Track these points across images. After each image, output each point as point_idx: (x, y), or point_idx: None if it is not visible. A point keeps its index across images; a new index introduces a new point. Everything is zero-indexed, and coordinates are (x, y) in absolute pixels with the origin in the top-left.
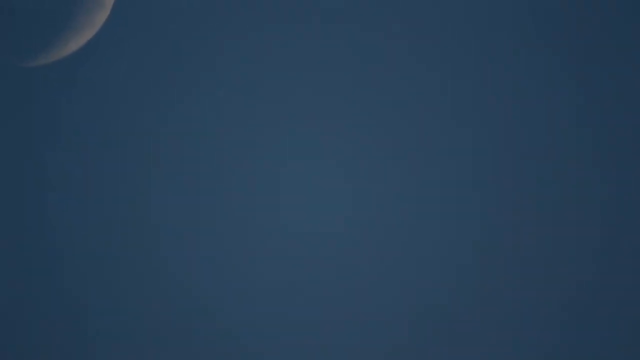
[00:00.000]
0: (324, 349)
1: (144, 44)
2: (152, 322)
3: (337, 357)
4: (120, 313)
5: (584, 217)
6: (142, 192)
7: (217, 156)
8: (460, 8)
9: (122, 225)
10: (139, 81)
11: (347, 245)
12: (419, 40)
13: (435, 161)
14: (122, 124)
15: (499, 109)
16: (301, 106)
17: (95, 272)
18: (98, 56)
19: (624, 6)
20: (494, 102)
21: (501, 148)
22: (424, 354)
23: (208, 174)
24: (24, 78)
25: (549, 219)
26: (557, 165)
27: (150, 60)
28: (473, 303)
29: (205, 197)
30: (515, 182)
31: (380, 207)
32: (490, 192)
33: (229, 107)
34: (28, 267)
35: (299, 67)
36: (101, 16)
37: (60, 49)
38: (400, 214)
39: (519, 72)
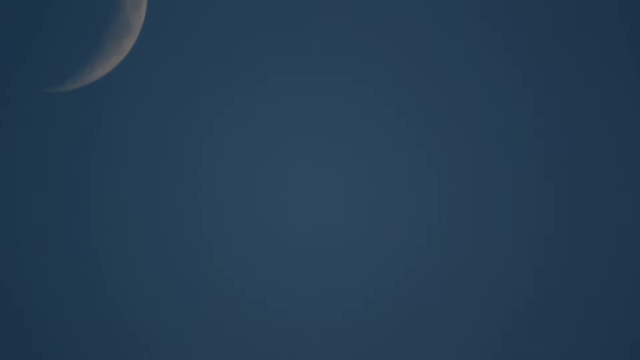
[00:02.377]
0: (324, 349)
1: (171, 69)
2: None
3: (338, 357)
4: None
5: (584, 217)
6: (168, 210)
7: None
8: (461, 8)
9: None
10: (166, 106)
11: (347, 245)
12: (419, 40)
13: (435, 161)
14: (150, 148)
15: (499, 109)
16: (301, 106)
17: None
18: (126, 82)
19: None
20: (494, 102)
21: (500, 148)
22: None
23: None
24: (52, 103)
25: (549, 218)
26: (557, 165)
27: (178, 85)
28: (472, 302)
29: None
30: (514, 181)
31: (380, 207)
32: (490, 192)
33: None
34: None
35: (299, 69)
36: (129, 42)
37: (88, 75)
38: (400, 214)
39: (519, 72)
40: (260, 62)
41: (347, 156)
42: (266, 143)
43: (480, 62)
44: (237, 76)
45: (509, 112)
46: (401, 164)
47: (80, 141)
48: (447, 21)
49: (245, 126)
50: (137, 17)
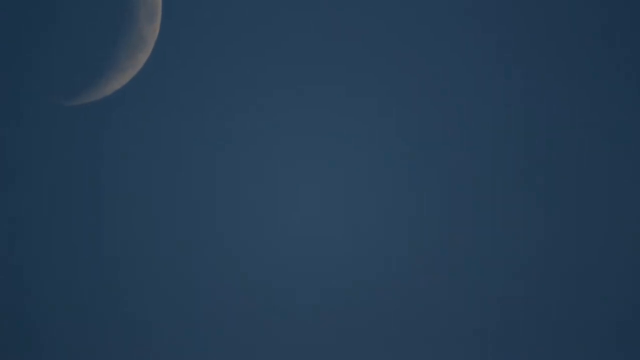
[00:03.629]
0: (324, 349)
1: (185, 83)
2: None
3: (338, 357)
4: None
5: (585, 217)
6: (182, 219)
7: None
8: (459, 9)
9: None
10: (180, 118)
11: (347, 245)
12: (418, 41)
13: (435, 161)
14: (165, 159)
15: (498, 110)
16: (301, 107)
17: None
18: (140, 95)
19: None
20: (493, 103)
21: (501, 148)
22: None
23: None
24: (67, 116)
25: (550, 219)
26: (557, 165)
27: (192, 98)
28: (473, 303)
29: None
30: (516, 182)
31: (380, 207)
32: (491, 192)
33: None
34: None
35: (299, 69)
36: (143, 56)
37: (103, 88)
38: (400, 214)
39: (518, 72)
40: (272, 73)
41: (346, 156)
42: (277, 151)
43: (478, 62)
44: (250, 87)
45: (508, 112)
46: (403, 165)
47: (95, 154)
48: (444, 22)
49: (258, 136)
50: (152, 31)
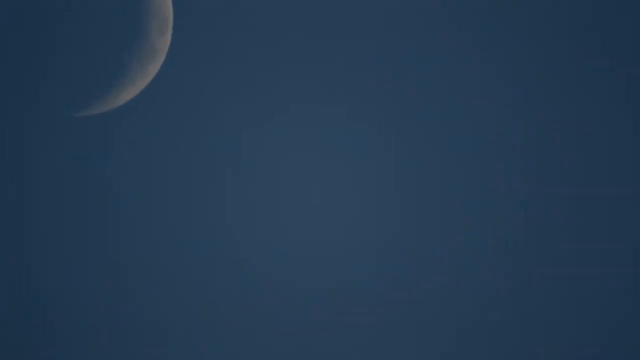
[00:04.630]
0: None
1: (196, 94)
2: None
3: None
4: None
5: (585, 217)
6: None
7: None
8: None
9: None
10: (191, 130)
11: (347, 245)
12: (418, 41)
13: (436, 161)
14: (175, 170)
15: (498, 109)
16: (302, 107)
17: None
18: (151, 106)
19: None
20: (493, 102)
21: (503, 149)
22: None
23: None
24: (78, 127)
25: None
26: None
27: (203, 109)
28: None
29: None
30: (519, 182)
31: (381, 208)
32: (491, 192)
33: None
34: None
35: (278, 48)
36: (154, 67)
37: (114, 99)
38: (401, 215)
39: (518, 72)
40: (284, 84)
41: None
42: (287, 158)
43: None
44: (261, 97)
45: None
46: (404, 165)
47: (106, 164)
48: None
49: (269, 145)
50: (163, 42)
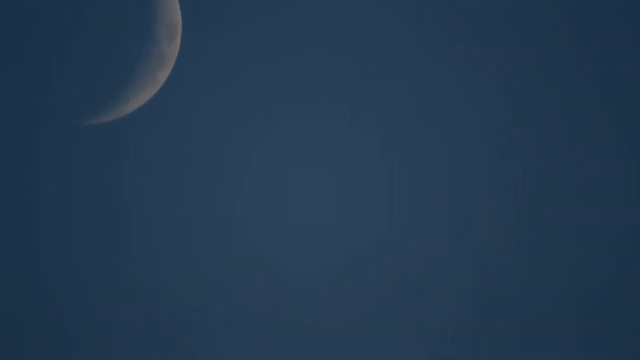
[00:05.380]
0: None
1: (206, 101)
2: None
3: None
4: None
5: (586, 218)
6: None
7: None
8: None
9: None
10: (201, 137)
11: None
12: (418, 40)
13: (436, 162)
14: (185, 178)
15: (499, 109)
16: (290, 94)
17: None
18: (160, 114)
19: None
20: (493, 102)
21: (501, 148)
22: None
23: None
24: (86, 135)
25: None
26: (558, 165)
27: (212, 117)
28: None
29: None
30: (516, 181)
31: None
32: (492, 192)
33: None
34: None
35: (288, 56)
36: (163, 74)
37: (123, 107)
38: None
39: (518, 72)
40: (294, 93)
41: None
42: (298, 168)
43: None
44: (274, 105)
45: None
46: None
47: (115, 172)
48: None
49: (278, 153)
50: (172, 49)
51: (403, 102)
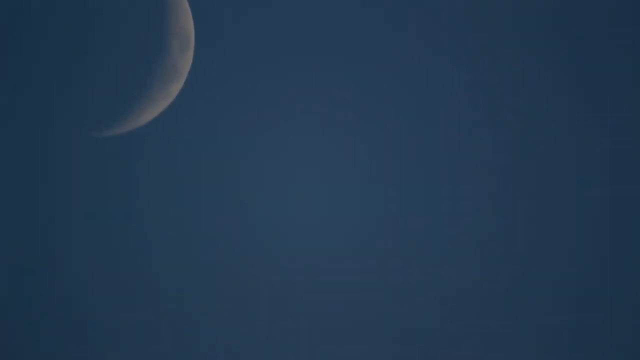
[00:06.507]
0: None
1: (218, 113)
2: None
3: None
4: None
5: (585, 218)
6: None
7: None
8: (460, 8)
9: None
10: (214, 150)
11: (348, 245)
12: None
13: (436, 161)
14: (198, 190)
15: (499, 109)
16: (302, 107)
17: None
18: (173, 126)
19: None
20: (493, 102)
21: (503, 148)
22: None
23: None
24: (99, 147)
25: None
26: (558, 165)
27: (225, 129)
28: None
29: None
30: (518, 182)
31: (381, 207)
32: (492, 192)
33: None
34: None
35: (299, 69)
36: (176, 87)
37: (136, 119)
38: (401, 215)
39: (518, 71)
40: (312, 106)
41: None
42: (311, 182)
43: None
44: (288, 118)
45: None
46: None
47: (127, 185)
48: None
49: (296, 168)
50: (184, 62)
51: (404, 102)
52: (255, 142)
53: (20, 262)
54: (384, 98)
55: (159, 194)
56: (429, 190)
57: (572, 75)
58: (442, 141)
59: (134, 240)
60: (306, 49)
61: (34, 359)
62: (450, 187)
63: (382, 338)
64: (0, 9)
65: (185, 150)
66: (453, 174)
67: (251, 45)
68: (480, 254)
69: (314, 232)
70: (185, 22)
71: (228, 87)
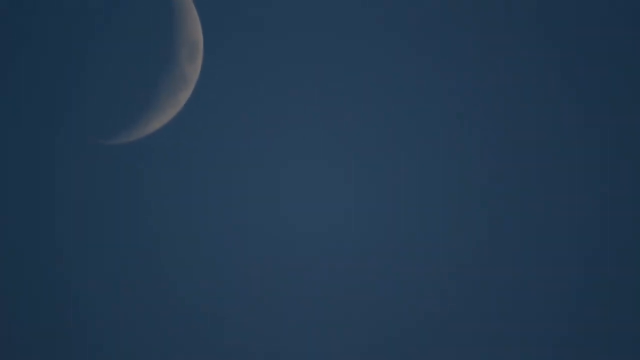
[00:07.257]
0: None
1: (227, 122)
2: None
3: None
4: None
5: (586, 218)
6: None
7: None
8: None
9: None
10: (223, 159)
11: (347, 246)
12: (417, 40)
13: (436, 161)
14: (207, 199)
15: (499, 109)
16: (302, 107)
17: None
18: (181, 134)
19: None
20: (494, 102)
21: (503, 147)
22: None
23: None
24: (107, 155)
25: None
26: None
27: (234, 137)
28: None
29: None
30: (518, 181)
31: (381, 207)
32: (493, 191)
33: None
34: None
35: (299, 68)
36: (184, 95)
37: (144, 128)
38: (401, 215)
39: (518, 71)
40: (321, 114)
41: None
42: (323, 193)
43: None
44: (296, 126)
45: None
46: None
47: (135, 193)
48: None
49: (307, 176)
50: (193, 70)
51: (406, 103)
52: (264, 151)
53: (27, 269)
54: (387, 100)
55: (167, 202)
56: (429, 190)
57: (571, 75)
58: (442, 141)
59: (142, 249)
60: (315, 56)
61: None
62: (450, 187)
63: (382, 338)
64: (11, 17)
65: (193, 159)
66: (453, 174)
67: (260, 54)
68: (480, 254)
69: (319, 235)
70: (194, 29)
71: (236, 96)
